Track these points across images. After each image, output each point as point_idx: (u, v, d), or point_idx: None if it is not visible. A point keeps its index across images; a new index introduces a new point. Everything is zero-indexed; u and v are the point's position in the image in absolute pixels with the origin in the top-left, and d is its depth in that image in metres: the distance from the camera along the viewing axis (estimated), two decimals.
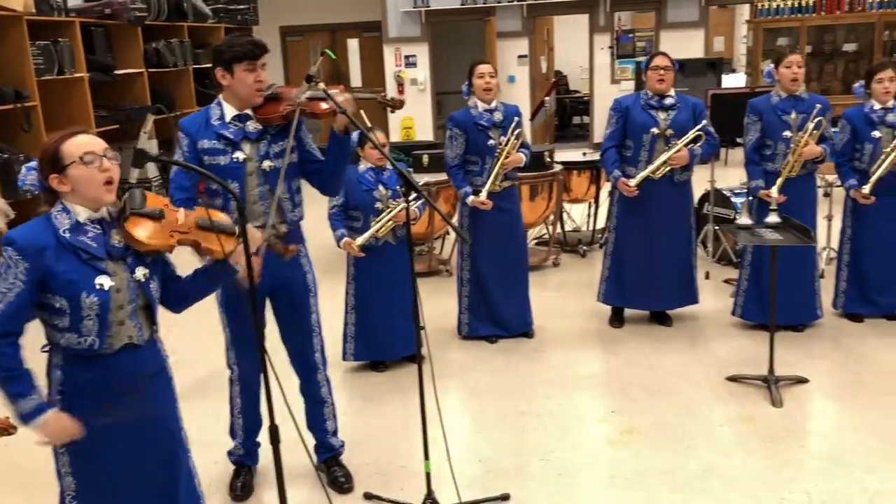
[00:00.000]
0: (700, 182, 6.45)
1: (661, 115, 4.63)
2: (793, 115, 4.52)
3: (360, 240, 4.24)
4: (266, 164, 3.04)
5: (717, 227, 6.15)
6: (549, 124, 12.43)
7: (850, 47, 10.91)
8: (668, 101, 4.64)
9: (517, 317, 4.92)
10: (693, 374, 4.30)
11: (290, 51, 13.54)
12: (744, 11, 13.02)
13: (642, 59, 12.26)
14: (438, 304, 5.52)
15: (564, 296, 5.75)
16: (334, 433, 3.49)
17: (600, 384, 4.28)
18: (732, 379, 4.18)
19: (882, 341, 4.62)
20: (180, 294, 2.47)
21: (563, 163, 6.66)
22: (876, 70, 4.70)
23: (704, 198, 6.39)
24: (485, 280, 4.83)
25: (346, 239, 4.23)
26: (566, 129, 14.37)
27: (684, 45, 11.37)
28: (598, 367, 4.51)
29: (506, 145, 4.61)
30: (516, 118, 4.68)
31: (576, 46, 13.42)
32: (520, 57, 12.19)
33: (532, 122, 8.72)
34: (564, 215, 7.09)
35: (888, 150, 4.60)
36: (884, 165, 4.62)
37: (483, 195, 4.61)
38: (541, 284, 5.97)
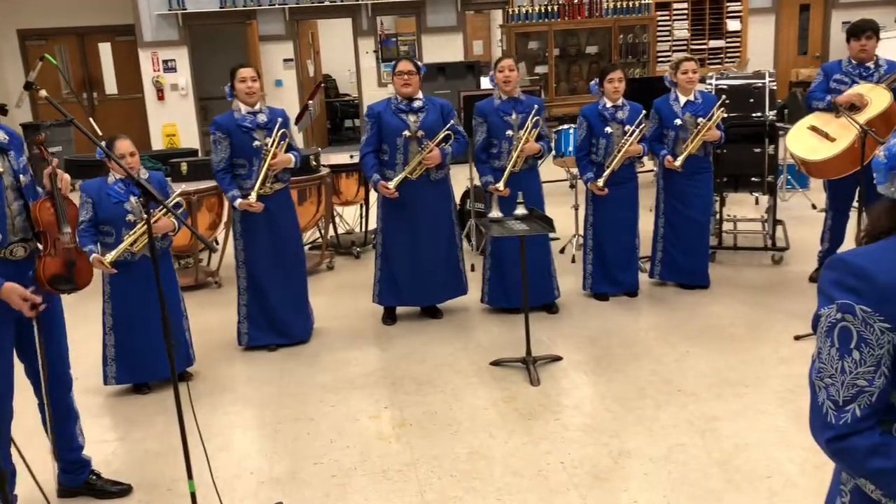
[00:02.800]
0: (461, 180, 6.78)
1: (411, 118, 4.81)
2: (513, 116, 4.91)
3: (110, 256, 3.99)
4: (23, 178, 2.94)
5: (476, 221, 6.47)
6: (319, 128, 12.41)
7: (592, 49, 11.91)
8: (417, 103, 4.84)
9: (298, 323, 4.88)
10: (460, 363, 4.51)
11: (32, 56, 12.42)
12: (497, 16, 13.77)
13: None
14: (210, 316, 5.35)
15: (340, 298, 5.78)
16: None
17: (374, 382, 4.35)
18: (495, 363, 4.43)
19: (625, 317, 5.10)
20: None
21: (330, 166, 6.69)
22: (607, 71, 5.19)
23: (466, 194, 6.70)
24: (262, 287, 4.75)
25: (94, 256, 3.96)
26: (339, 132, 14.44)
27: (444, 48, 11.85)
28: (371, 365, 4.58)
29: (272, 146, 4.56)
30: (280, 119, 4.65)
31: (342, 50, 13.52)
32: (285, 60, 12.08)
33: (297, 125, 8.65)
34: (336, 218, 7.13)
35: (620, 144, 5.10)
36: (617, 159, 5.11)
37: (252, 197, 4.52)
38: (316, 288, 5.95)
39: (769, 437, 3.50)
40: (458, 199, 6.86)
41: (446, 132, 4.84)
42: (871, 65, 5.12)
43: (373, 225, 6.68)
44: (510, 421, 3.81)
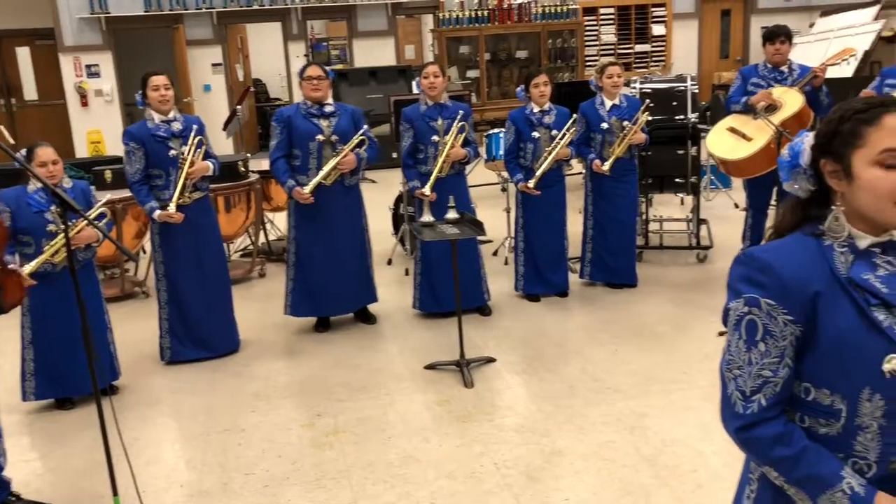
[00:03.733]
0: (394, 184, 6.79)
1: (324, 123, 4.79)
2: (439, 121, 4.95)
3: (28, 267, 3.86)
4: None
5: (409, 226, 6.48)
6: (249, 133, 12.24)
7: (522, 54, 12.06)
8: (328, 108, 4.83)
9: (222, 336, 4.79)
10: (393, 368, 4.50)
11: None
12: (429, 21, 13.81)
13: (339, 67, 12.57)
14: (138, 327, 5.23)
15: (272, 305, 5.70)
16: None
17: (306, 389, 4.32)
18: (429, 367, 4.44)
19: (556, 317, 5.18)
20: None
21: (261, 172, 6.61)
22: (532, 76, 5.26)
23: (399, 198, 6.70)
24: (184, 299, 4.65)
25: (11, 266, 3.82)
26: (269, 137, 14.23)
27: (376, 52, 11.83)
28: (304, 372, 4.54)
29: (188, 154, 4.48)
30: (195, 126, 4.57)
31: (272, 54, 13.35)
32: (214, 65, 11.87)
33: (226, 131, 8.52)
34: (267, 224, 7.05)
35: (549, 148, 5.17)
36: (547, 161, 5.18)
37: (171, 208, 4.43)
38: (247, 296, 5.88)
39: (695, 432, 3.60)
40: (391, 204, 6.89)
41: (361, 137, 4.84)
42: (784, 69, 5.32)
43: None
44: (444, 424, 3.82)
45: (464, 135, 5.00)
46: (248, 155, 7.19)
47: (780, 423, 1.43)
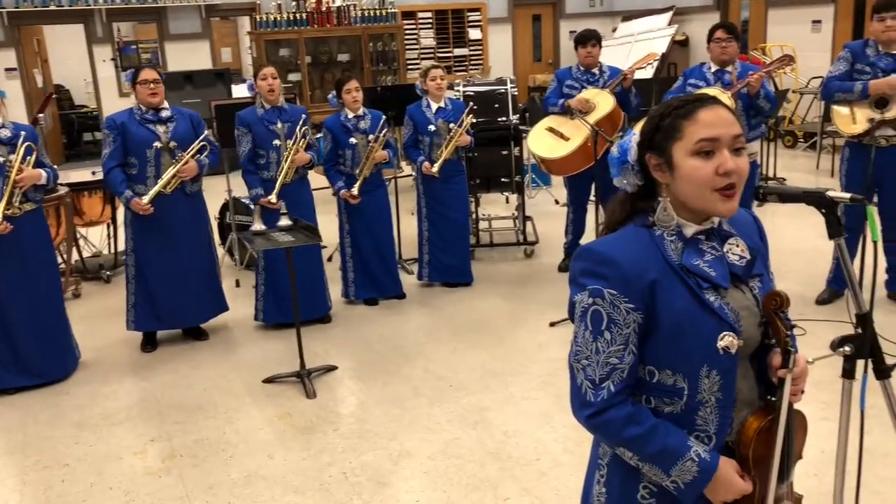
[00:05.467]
0: (219, 192, 6.53)
1: (161, 129, 4.55)
2: (279, 125, 4.81)
3: None
4: None
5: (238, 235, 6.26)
6: (54, 143, 11.35)
7: (343, 57, 11.99)
8: (164, 113, 4.59)
9: (53, 359, 4.41)
10: (231, 384, 4.33)
11: None
12: (245, 23, 13.42)
13: None
14: None
15: (92, 327, 5.30)
16: None
17: (136, 414, 4.05)
18: (269, 380, 4.31)
19: (395, 320, 5.19)
20: None
21: (70, 184, 6.14)
22: (343, 82, 5.20)
23: (226, 207, 6.45)
24: (10, 321, 4.25)
25: None
26: (77, 146, 13.28)
27: (190, 56, 11.34)
28: (133, 397, 4.26)
29: (16, 161, 4.13)
30: (23, 133, 4.25)
31: (75, 58, 12.45)
32: (7, 70, 10.90)
33: None
34: (80, 240, 6.55)
35: (367, 152, 5.17)
36: (366, 166, 5.17)
37: None
38: None
39: (535, 422, 3.73)
40: (216, 213, 6.62)
41: (201, 143, 4.63)
42: (596, 71, 5.63)
43: (122, 245, 6.24)
44: (288, 438, 3.72)
45: (306, 139, 4.88)
46: (56, 166, 6.63)
47: (629, 405, 1.51)
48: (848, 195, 1.47)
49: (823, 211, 1.50)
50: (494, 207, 7.68)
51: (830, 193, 1.49)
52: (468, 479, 3.29)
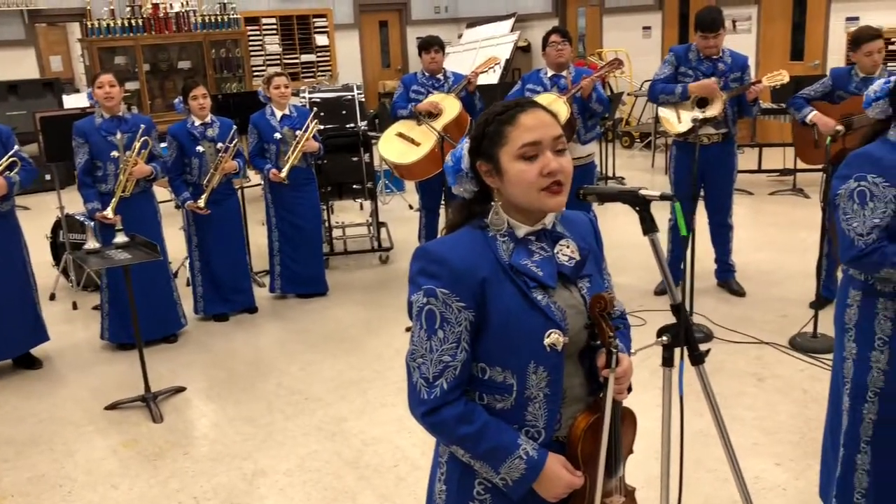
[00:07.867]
0: (52, 209, 6.11)
1: None
2: (118, 136, 4.56)
3: None
4: None
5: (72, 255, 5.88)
6: None
7: (185, 64, 11.54)
8: None
9: None
10: (69, 414, 4.05)
11: None
12: (76, 30, 12.65)
13: None
14: None
15: None
16: None
17: None
18: (111, 407, 4.07)
19: (246, 335, 5.04)
20: None
21: None
22: (189, 88, 5.02)
23: (58, 225, 6.05)
24: None
25: None
26: None
27: (14, 64, 10.57)
28: None
29: None
30: None
31: None
32: None
33: None
34: None
35: (216, 162, 5.00)
36: (215, 177, 5.00)
37: None
38: None
39: (392, 428, 3.72)
40: (48, 232, 6.19)
41: (10, 159, 4.30)
42: (441, 76, 5.71)
43: None
44: (133, 466, 3.52)
45: (148, 150, 4.64)
46: None
47: (462, 404, 1.53)
48: (658, 192, 1.55)
49: (637, 209, 1.58)
50: (349, 214, 7.63)
51: (643, 192, 1.57)
52: (326, 492, 3.23)
